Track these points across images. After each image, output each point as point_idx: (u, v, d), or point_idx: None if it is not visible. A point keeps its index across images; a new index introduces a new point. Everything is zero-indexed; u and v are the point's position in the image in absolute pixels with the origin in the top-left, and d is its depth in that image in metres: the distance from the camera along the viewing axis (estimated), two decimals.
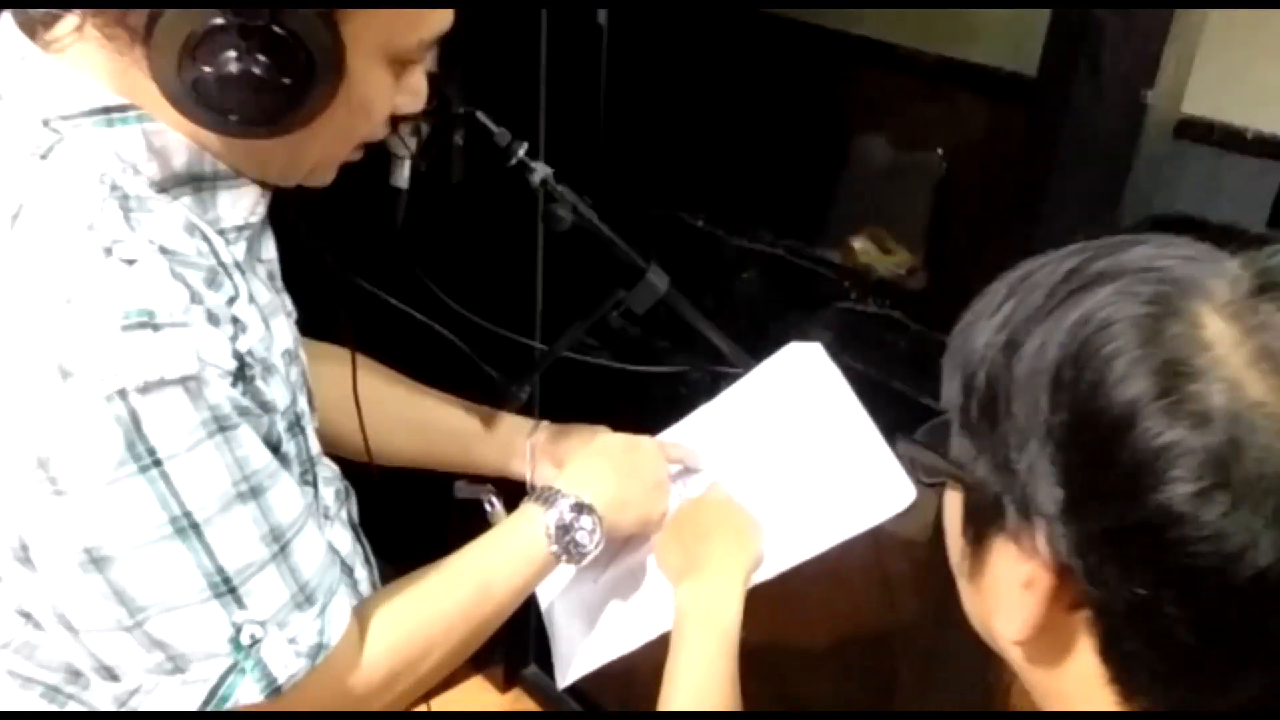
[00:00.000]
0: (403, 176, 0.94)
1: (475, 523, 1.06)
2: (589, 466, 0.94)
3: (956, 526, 0.53)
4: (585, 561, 0.89)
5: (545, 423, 1.07)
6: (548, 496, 0.89)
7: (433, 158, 0.96)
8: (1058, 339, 0.45)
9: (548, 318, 1.39)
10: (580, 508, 0.88)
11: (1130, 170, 1.06)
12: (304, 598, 0.71)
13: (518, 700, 2.01)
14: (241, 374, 0.67)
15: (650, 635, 0.91)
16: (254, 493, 0.68)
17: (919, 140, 2.00)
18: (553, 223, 0.93)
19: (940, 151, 2.00)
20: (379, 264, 1.01)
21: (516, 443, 1.05)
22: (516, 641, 1.93)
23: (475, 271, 1.31)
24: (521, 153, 0.94)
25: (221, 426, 0.65)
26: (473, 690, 1.98)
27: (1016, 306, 0.48)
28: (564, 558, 0.88)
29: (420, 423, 1.04)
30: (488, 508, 1.10)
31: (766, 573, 0.89)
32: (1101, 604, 0.45)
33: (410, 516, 1.33)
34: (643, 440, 0.98)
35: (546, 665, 1.80)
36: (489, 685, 2.00)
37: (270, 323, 0.75)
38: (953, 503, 0.54)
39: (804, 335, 1.08)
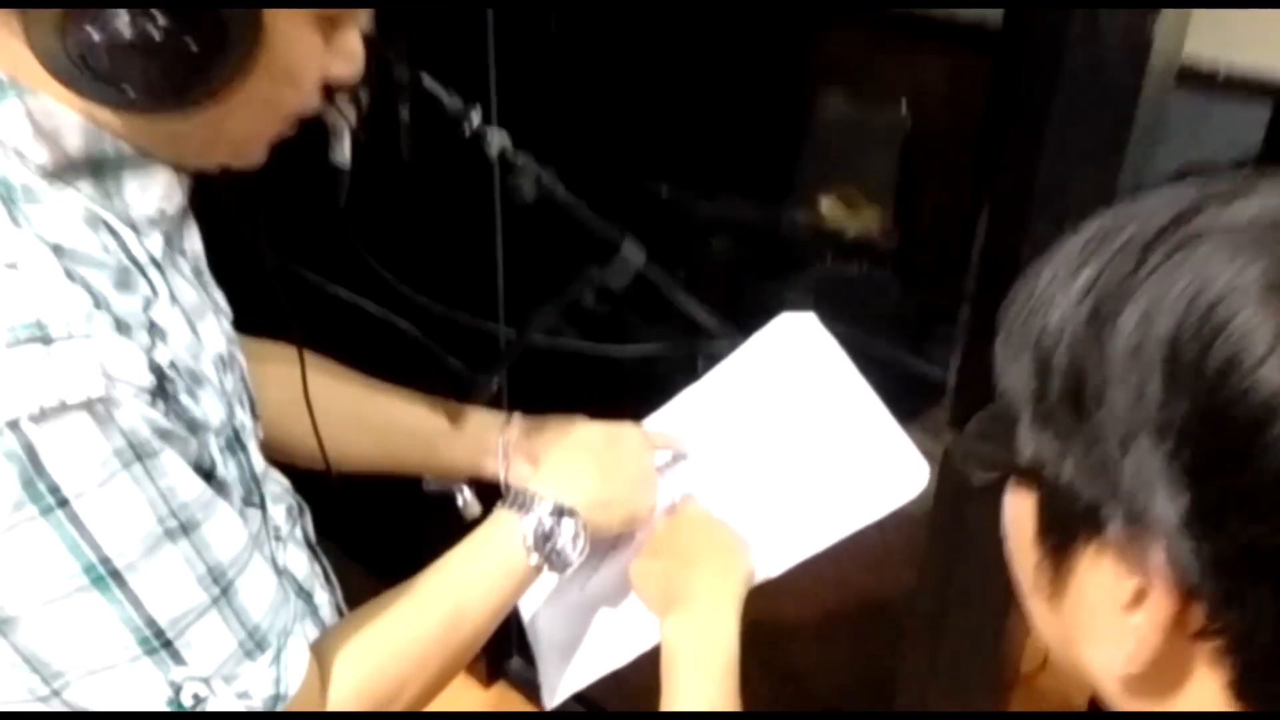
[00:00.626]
0: (344, 153, 0.83)
1: (449, 519, 0.98)
2: (567, 463, 0.85)
3: (1026, 534, 0.45)
4: (569, 571, 0.81)
5: (517, 416, 0.98)
6: (524, 501, 0.81)
7: (376, 131, 0.85)
8: (1167, 310, 0.37)
9: (511, 301, 1.28)
10: (561, 511, 0.80)
11: (1133, 118, 0.99)
12: (254, 644, 0.63)
13: (502, 694, 1.94)
14: (161, 390, 0.58)
15: (645, 646, 0.83)
16: (185, 529, 0.59)
17: (882, 95, 1.92)
18: (514, 196, 0.83)
19: (905, 105, 1.94)
20: (323, 251, 0.90)
21: (487, 440, 0.96)
22: (498, 633, 1.84)
23: (430, 255, 1.20)
24: (476, 120, 0.84)
25: (139, 455, 0.56)
26: (454, 686, 1.90)
27: (1101, 270, 0.40)
28: (546, 568, 0.80)
29: (380, 424, 0.94)
30: (460, 501, 1.01)
31: (769, 573, 0.81)
32: (1240, 635, 0.37)
33: (378, 518, 1.23)
34: (624, 430, 0.90)
35: (531, 657, 1.72)
36: (471, 680, 1.92)
37: (198, 326, 0.66)
38: (1020, 506, 0.46)
39: (784, 303, 1.00)
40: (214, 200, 0.72)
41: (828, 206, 2.01)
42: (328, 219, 0.86)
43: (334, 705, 0.68)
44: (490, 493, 0.98)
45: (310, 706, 0.66)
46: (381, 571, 0.80)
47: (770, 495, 0.85)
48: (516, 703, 1.89)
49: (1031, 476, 0.43)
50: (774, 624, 1.51)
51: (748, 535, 0.83)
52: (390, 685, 0.71)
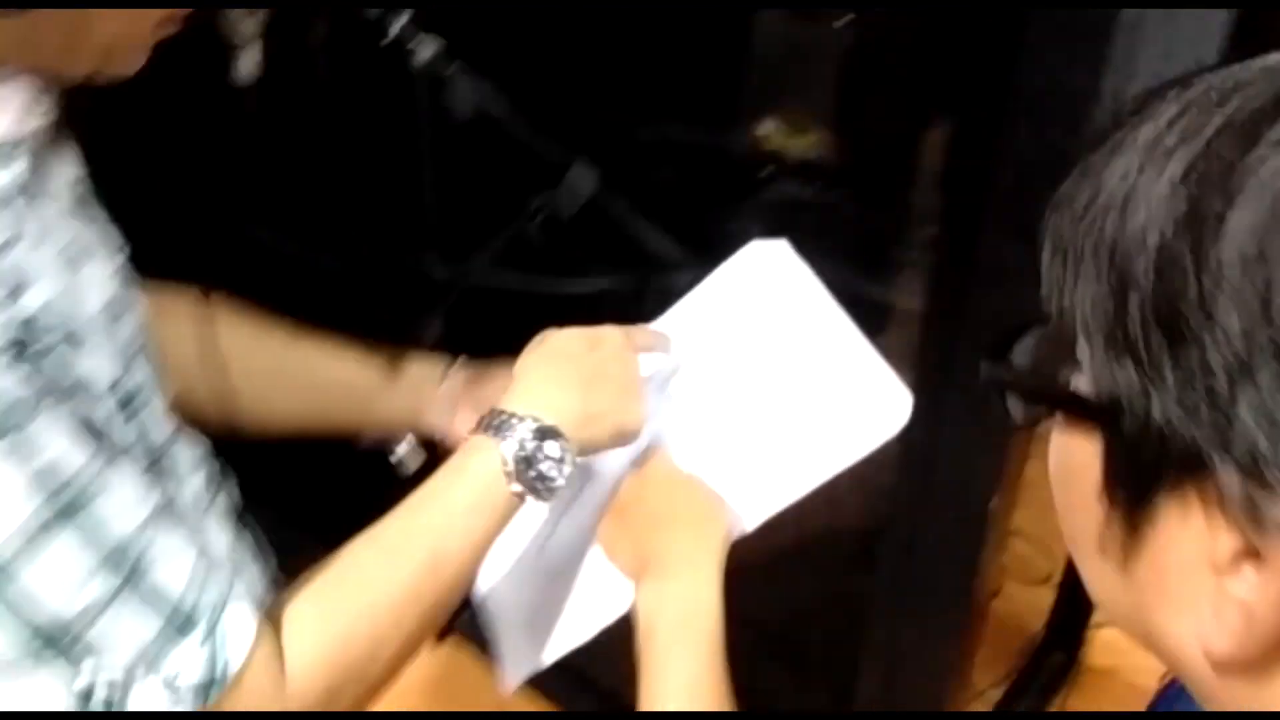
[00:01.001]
0: (246, 68, 0.72)
1: (393, 474, 0.89)
2: (544, 376, 0.75)
3: (1087, 484, 0.38)
4: (554, 498, 0.72)
5: (460, 363, 0.89)
6: (499, 423, 0.71)
7: (284, 42, 0.74)
8: None
9: (446, 235, 1.16)
10: (543, 432, 0.71)
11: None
12: (181, 622, 0.55)
13: (455, 650, 1.86)
14: (22, 348, 0.48)
15: (615, 614, 0.76)
16: (71, 510, 0.50)
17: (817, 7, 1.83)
18: (449, 111, 0.73)
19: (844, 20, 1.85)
20: (229, 183, 0.79)
21: (427, 392, 0.87)
22: None
23: (352, 185, 1.08)
24: (400, 25, 0.73)
25: (1, 431, 0.46)
26: None
27: (1197, 158, 0.32)
28: (529, 496, 0.71)
29: (304, 379, 0.84)
30: (392, 459, 0.91)
31: (747, 525, 0.74)
32: None
33: (313, 477, 1.13)
34: (604, 332, 0.79)
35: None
36: None
37: (80, 268, 0.56)
38: (1078, 451, 0.38)
39: (740, 231, 0.91)
40: (95, 119, 0.61)
41: (768, 129, 1.93)
42: (232, 145, 0.75)
43: (297, 676, 0.60)
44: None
45: (263, 681, 0.58)
46: (322, 535, 0.70)
47: (745, 438, 0.77)
48: (468, 661, 1.82)
49: (1102, 416, 0.36)
50: (733, 554, 1.45)
51: (722, 485, 0.75)
52: (362, 647, 0.63)
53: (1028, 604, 1.93)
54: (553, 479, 0.71)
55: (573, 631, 0.78)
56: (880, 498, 1.17)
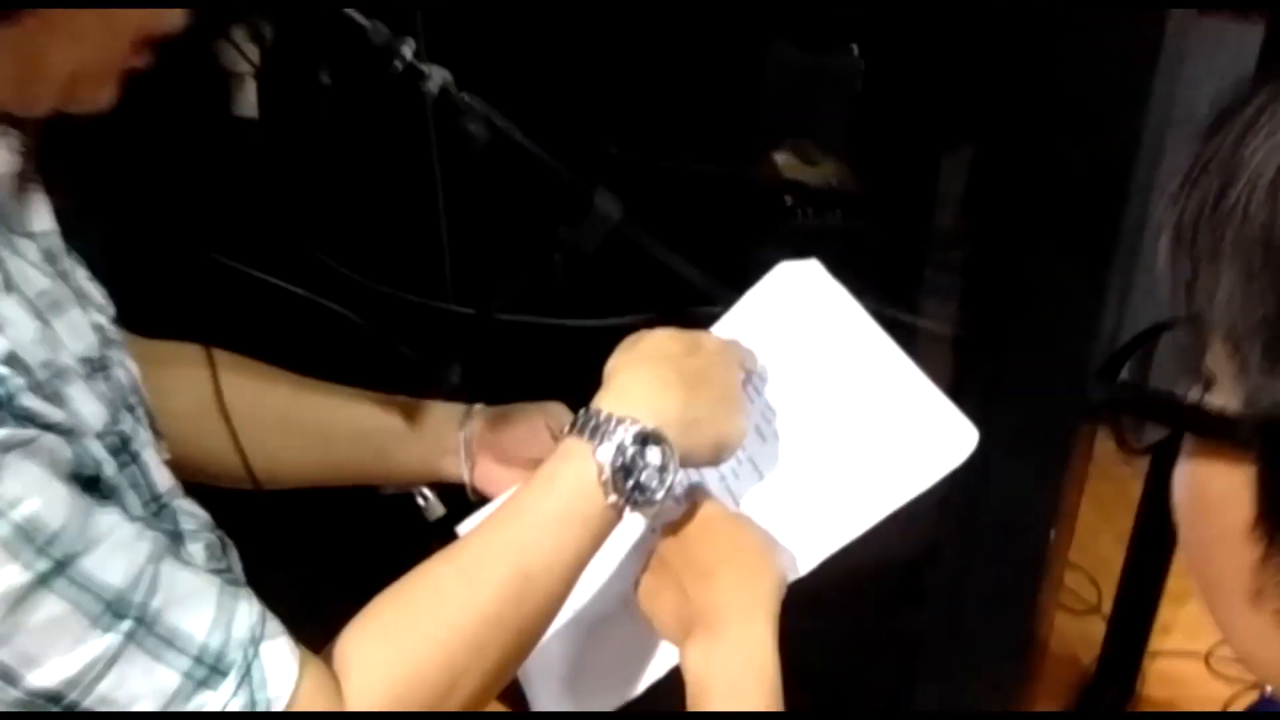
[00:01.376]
0: (249, 101, 0.68)
1: (415, 526, 0.84)
2: (641, 377, 0.66)
3: (1233, 519, 0.33)
4: (652, 513, 0.65)
5: (479, 407, 0.83)
6: (596, 425, 0.63)
7: (288, 74, 0.70)
8: None
9: (461, 273, 1.11)
10: (645, 436, 0.62)
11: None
12: (208, 669, 0.51)
13: None
14: None
15: (659, 673, 0.70)
16: (61, 566, 0.46)
17: (832, 39, 1.80)
18: (464, 141, 0.68)
19: (856, 49, 1.82)
20: (234, 225, 0.75)
21: (446, 437, 0.81)
22: None
23: (363, 224, 1.03)
24: (409, 54, 0.69)
25: None
26: None
27: None
28: (627, 509, 0.63)
29: (315, 428, 0.79)
30: (420, 501, 0.87)
31: (800, 569, 0.68)
32: None
33: (326, 536, 1.08)
34: (703, 336, 0.72)
35: None
36: None
37: (52, 319, 0.53)
38: (1218, 480, 0.33)
39: (764, 261, 0.86)
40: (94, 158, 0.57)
41: (782, 160, 1.90)
42: (235, 185, 0.71)
43: (357, 707, 0.55)
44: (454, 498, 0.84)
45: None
46: (344, 595, 0.65)
47: (793, 476, 0.72)
48: None
49: (1258, 437, 0.31)
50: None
51: (772, 525, 0.69)
52: (436, 682, 0.57)
53: (1077, 635, 1.86)
54: (653, 490, 0.63)
55: (612, 691, 0.72)
56: (932, 532, 1.11)
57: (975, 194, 1.38)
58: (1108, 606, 1.80)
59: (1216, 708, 1.82)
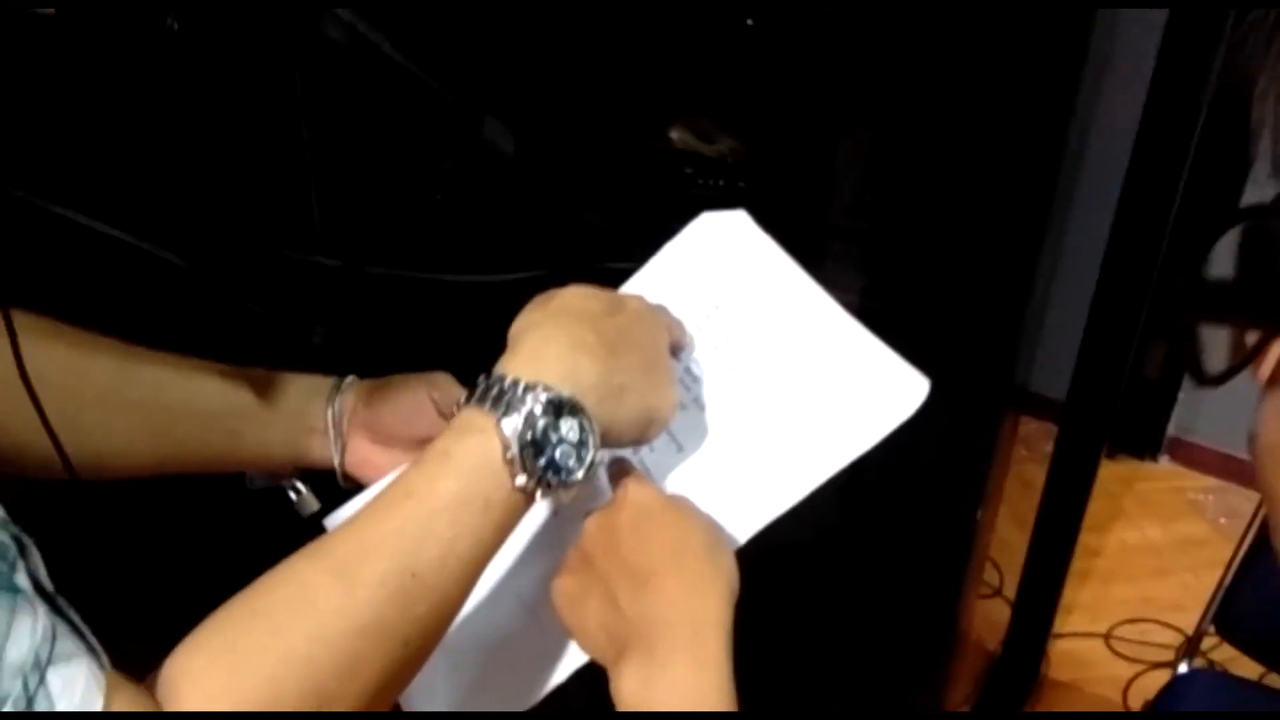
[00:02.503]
0: None
1: (287, 521, 0.71)
2: (554, 337, 0.56)
3: None
4: (569, 498, 0.54)
5: (351, 379, 0.70)
6: (500, 393, 0.52)
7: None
8: None
9: (325, 216, 0.93)
10: (559, 406, 0.53)
11: None
12: None
13: None
14: None
15: (563, 676, 0.59)
16: None
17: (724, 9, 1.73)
18: (325, 41, 0.56)
19: (750, 21, 1.75)
20: (44, 159, 0.61)
21: (310, 414, 0.69)
22: None
23: (209, 156, 0.86)
24: None
25: None
26: None
27: None
28: (539, 494, 0.53)
29: (150, 406, 0.65)
30: (292, 496, 0.74)
31: (742, 534, 0.58)
32: None
33: (181, 539, 0.93)
34: (626, 296, 0.62)
35: None
36: None
37: None
38: None
39: (665, 224, 0.77)
40: None
41: (677, 135, 1.82)
42: (49, 108, 0.58)
43: None
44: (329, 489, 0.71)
45: None
46: (196, 606, 0.52)
47: (721, 445, 0.62)
48: None
49: None
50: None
51: (706, 498, 0.59)
52: (298, 706, 0.46)
53: (980, 618, 1.83)
54: (569, 470, 0.53)
55: (505, 705, 0.61)
56: (859, 508, 1.04)
57: (881, 168, 1.32)
58: (1009, 590, 1.78)
59: (1119, 687, 1.82)
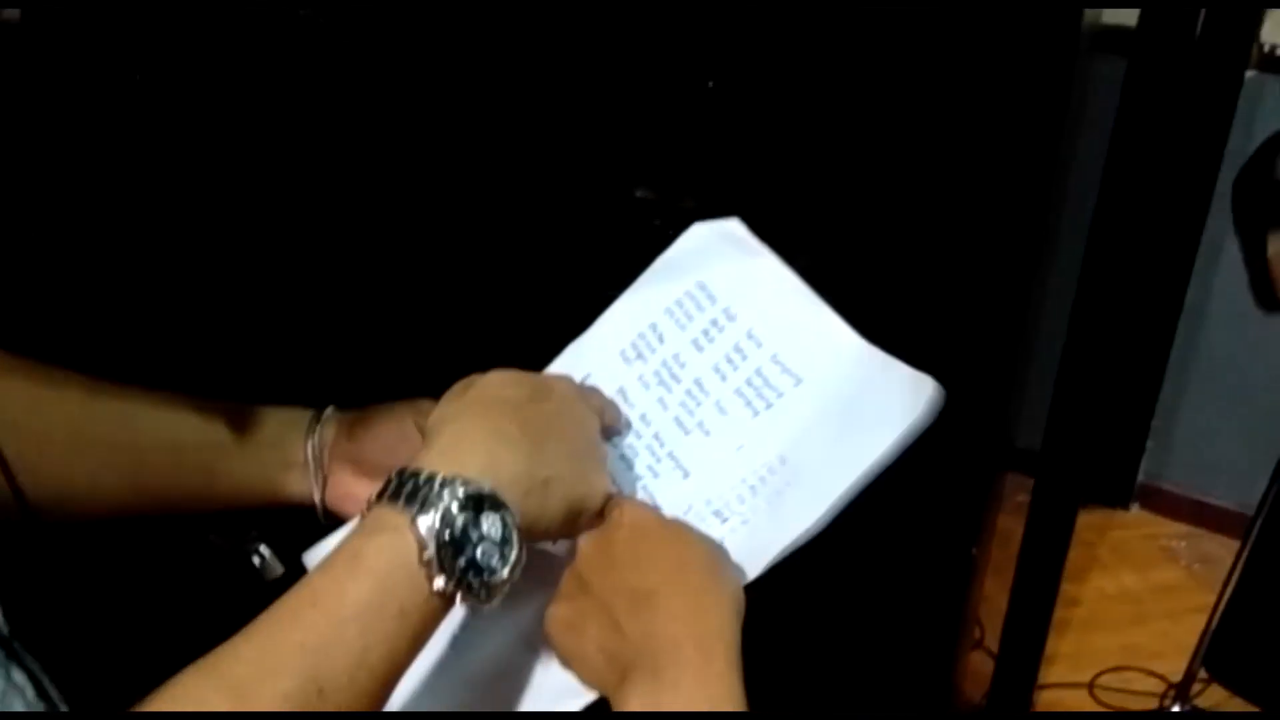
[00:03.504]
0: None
1: (248, 584, 0.67)
2: (473, 428, 0.54)
3: None
4: (496, 601, 0.51)
5: (331, 410, 0.68)
6: (415, 488, 0.49)
7: None
8: None
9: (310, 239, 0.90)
10: (478, 500, 0.49)
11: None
12: None
13: None
14: None
15: (569, 710, 0.56)
16: None
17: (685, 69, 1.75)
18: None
19: (711, 82, 1.77)
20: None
21: (289, 447, 0.66)
22: None
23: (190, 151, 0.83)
24: None
25: None
26: None
27: None
28: (460, 598, 0.49)
29: (119, 440, 0.62)
30: (255, 561, 0.71)
31: (753, 569, 0.55)
32: None
33: (138, 599, 0.89)
34: (552, 379, 0.60)
35: None
36: None
37: None
38: None
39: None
40: None
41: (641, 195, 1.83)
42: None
43: None
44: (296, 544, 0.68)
45: None
46: (151, 667, 0.48)
47: (727, 466, 0.60)
48: None
49: None
50: None
51: (710, 532, 0.57)
52: None
53: (962, 670, 1.81)
54: (494, 571, 0.49)
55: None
56: (854, 544, 1.02)
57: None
58: (990, 641, 1.76)
59: None
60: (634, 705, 0.48)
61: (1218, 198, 1.98)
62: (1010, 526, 1.63)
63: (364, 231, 0.81)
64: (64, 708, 0.49)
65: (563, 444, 0.55)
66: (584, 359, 0.67)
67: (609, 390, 0.65)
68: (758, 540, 0.55)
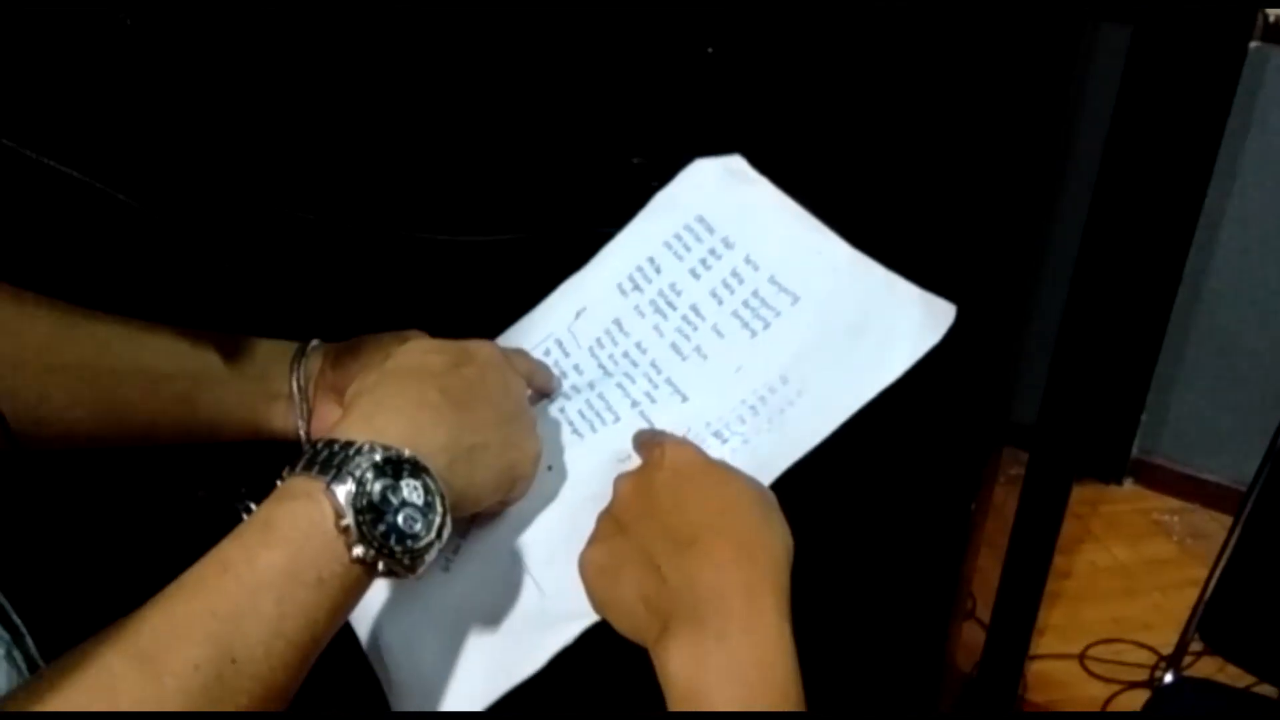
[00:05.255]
0: None
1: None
2: (394, 398, 0.52)
3: None
4: (423, 567, 0.49)
5: (317, 342, 0.64)
6: (328, 455, 0.47)
7: None
8: None
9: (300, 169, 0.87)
10: (396, 465, 0.48)
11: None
12: None
13: None
14: None
15: (567, 638, 0.54)
16: None
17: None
18: None
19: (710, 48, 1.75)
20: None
21: (273, 378, 0.63)
22: None
23: (173, 89, 0.81)
24: None
25: None
26: None
27: None
28: (381, 568, 0.47)
29: (94, 365, 0.60)
30: (244, 517, 0.69)
31: (764, 479, 0.53)
32: None
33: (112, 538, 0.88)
34: (473, 345, 0.58)
35: None
36: None
37: None
38: None
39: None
40: None
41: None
42: None
43: None
44: None
45: None
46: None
47: (727, 389, 0.58)
48: None
49: None
50: None
51: (718, 448, 0.56)
52: None
53: (955, 640, 1.82)
54: (417, 538, 0.47)
55: (515, 660, 0.55)
56: (853, 501, 1.02)
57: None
58: (982, 612, 1.76)
59: (1096, 707, 1.81)
60: (677, 660, 0.46)
61: (1218, 172, 1.97)
62: (1004, 499, 1.63)
63: (361, 174, 0.80)
64: (42, 664, 0.48)
65: (488, 410, 0.54)
66: (580, 292, 0.66)
67: (604, 322, 0.64)
68: (760, 458, 0.54)
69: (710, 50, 0.95)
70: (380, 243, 0.74)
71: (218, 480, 0.67)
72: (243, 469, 0.61)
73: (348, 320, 0.62)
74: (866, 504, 0.98)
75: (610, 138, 1.00)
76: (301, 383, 0.62)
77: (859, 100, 0.83)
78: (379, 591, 0.59)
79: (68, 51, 0.72)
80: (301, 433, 0.63)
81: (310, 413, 0.63)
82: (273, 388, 0.63)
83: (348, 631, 0.59)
